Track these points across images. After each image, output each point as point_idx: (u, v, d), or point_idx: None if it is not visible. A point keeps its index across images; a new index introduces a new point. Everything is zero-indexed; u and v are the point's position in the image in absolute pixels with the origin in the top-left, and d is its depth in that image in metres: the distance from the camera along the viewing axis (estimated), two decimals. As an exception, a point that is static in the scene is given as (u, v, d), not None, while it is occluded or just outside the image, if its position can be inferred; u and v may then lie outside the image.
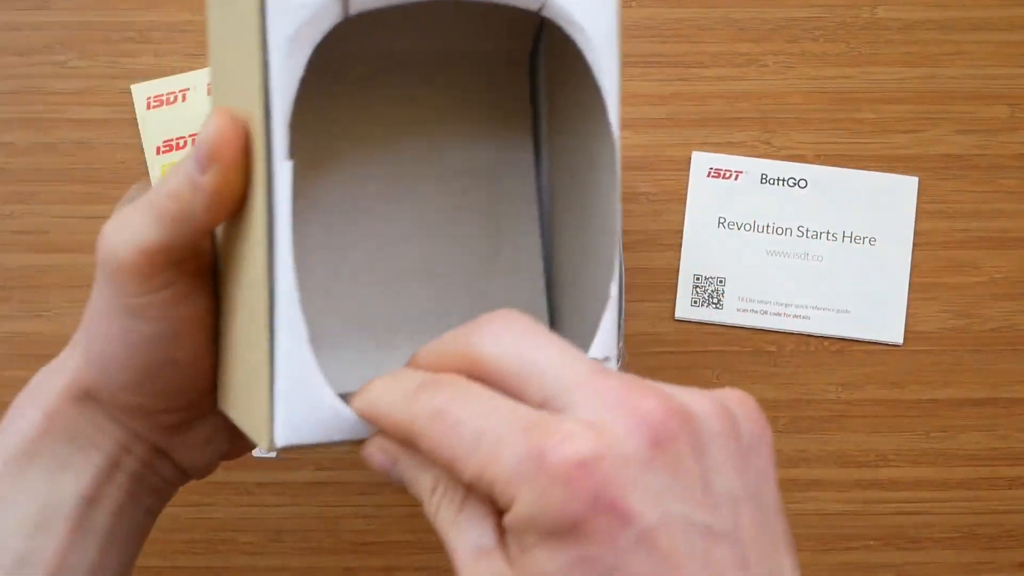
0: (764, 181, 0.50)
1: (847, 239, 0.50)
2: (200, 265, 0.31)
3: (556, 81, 0.35)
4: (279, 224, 0.26)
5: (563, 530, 0.21)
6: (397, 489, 0.50)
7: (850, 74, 0.51)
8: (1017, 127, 0.51)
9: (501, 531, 0.24)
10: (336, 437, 0.27)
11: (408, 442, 0.25)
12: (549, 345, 0.24)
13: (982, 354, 0.50)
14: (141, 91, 0.50)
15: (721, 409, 0.24)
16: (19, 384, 0.50)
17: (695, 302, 0.50)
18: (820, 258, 0.50)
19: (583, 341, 0.32)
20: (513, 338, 0.24)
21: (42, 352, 0.50)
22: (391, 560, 0.50)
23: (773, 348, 0.50)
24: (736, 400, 0.25)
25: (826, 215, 0.50)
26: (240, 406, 0.29)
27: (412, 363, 0.27)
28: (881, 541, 0.50)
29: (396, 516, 0.50)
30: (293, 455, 0.50)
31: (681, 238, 0.50)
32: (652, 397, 0.22)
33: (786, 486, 0.50)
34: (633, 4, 0.50)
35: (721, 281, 0.50)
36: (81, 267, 0.50)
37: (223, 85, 0.30)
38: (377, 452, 0.26)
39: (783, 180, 0.50)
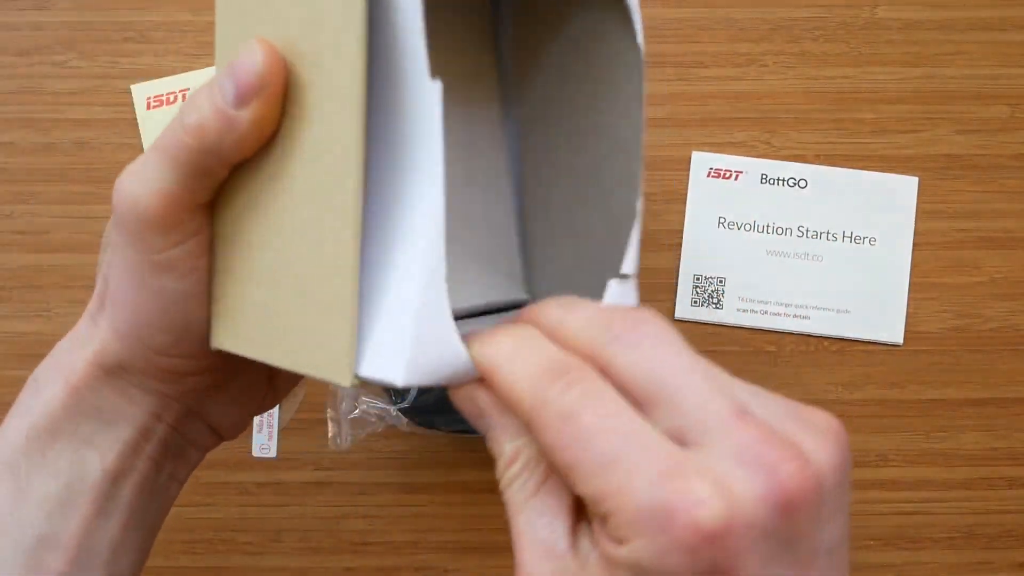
0: (764, 181, 0.50)
1: (847, 239, 0.50)
2: None
3: (525, 27, 0.34)
4: (434, 148, 0.24)
5: None
6: (397, 490, 0.50)
7: (850, 74, 0.51)
8: (1017, 127, 0.51)
9: (574, 525, 0.23)
10: (452, 381, 0.25)
11: (515, 413, 0.24)
12: (691, 370, 0.23)
13: (982, 354, 0.50)
14: (141, 91, 0.50)
15: (843, 460, 0.23)
16: (19, 384, 0.50)
17: (695, 302, 0.50)
18: (820, 258, 0.50)
19: (592, 261, 0.32)
20: (654, 353, 0.23)
21: (42, 352, 0.49)
22: (391, 560, 0.50)
23: (773, 348, 0.50)
24: (840, 434, 0.24)
25: (826, 215, 0.50)
26: (291, 343, 0.27)
27: (531, 319, 0.25)
28: (881, 541, 0.50)
29: (396, 516, 0.50)
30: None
31: (681, 238, 0.50)
32: (792, 460, 0.22)
33: (786, 486, 0.50)
34: (633, 4, 0.50)
35: (721, 281, 0.50)
36: (81, 267, 0.50)
37: (251, 21, 0.28)
38: (468, 401, 0.25)
39: (783, 180, 0.50)
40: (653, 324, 0.24)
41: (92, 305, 0.31)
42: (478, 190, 0.35)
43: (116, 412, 0.31)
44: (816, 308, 0.50)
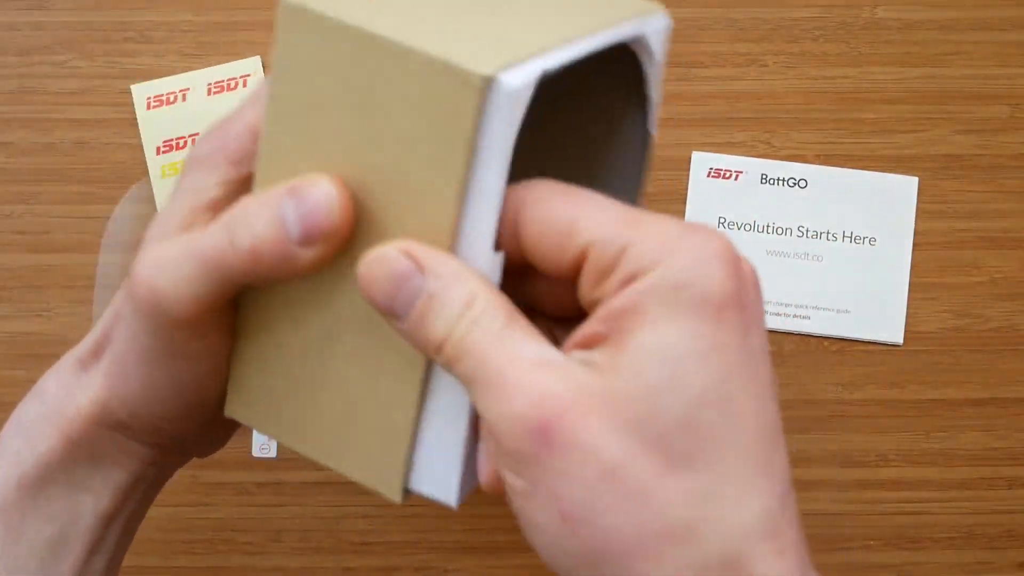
0: (764, 181, 0.50)
1: (847, 239, 0.50)
2: None
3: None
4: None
5: (711, 306, 0.21)
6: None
7: (850, 74, 0.51)
8: (1017, 127, 0.51)
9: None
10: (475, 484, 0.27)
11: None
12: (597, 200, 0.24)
13: (982, 354, 0.50)
14: (141, 91, 0.50)
15: None
16: (19, 384, 0.50)
17: (695, 302, 0.50)
18: (820, 258, 0.50)
19: None
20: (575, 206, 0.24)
21: (42, 352, 0.50)
22: (391, 560, 0.50)
23: (773, 348, 0.50)
24: None
25: (826, 215, 0.50)
26: (327, 443, 0.28)
27: None
28: (881, 541, 0.50)
29: (396, 516, 0.50)
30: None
31: (681, 238, 0.50)
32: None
33: (786, 486, 0.50)
34: (633, 4, 0.50)
35: (721, 281, 0.50)
36: (81, 267, 0.50)
37: (312, 134, 0.26)
38: (401, 256, 0.23)
39: (783, 180, 0.50)
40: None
41: (84, 350, 0.31)
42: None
43: (112, 460, 0.31)
44: (816, 308, 0.50)
